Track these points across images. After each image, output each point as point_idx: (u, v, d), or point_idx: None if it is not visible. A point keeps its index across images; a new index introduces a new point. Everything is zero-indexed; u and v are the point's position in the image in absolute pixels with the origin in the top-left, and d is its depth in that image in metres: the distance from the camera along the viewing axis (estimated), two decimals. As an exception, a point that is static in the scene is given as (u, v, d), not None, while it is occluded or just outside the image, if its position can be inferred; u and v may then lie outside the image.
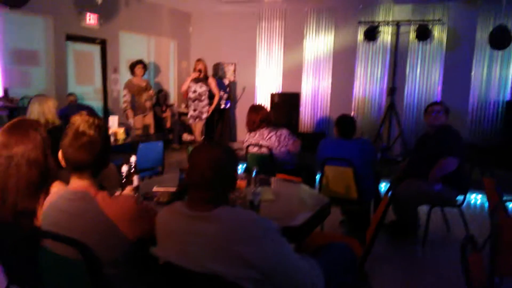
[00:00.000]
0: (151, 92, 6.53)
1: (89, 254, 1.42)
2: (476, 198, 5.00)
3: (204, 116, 6.54)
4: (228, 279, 1.32)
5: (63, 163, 1.59)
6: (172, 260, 1.42)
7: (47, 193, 1.72)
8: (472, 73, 6.98)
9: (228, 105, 8.25)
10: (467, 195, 3.69)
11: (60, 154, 1.58)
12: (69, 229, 1.48)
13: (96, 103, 7.27)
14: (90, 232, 1.47)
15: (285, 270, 1.38)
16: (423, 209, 3.73)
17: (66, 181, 1.86)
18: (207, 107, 6.50)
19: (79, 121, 1.57)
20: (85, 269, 1.44)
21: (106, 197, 1.56)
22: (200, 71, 6.44)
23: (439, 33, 7.09)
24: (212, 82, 6.54)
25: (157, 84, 8.49)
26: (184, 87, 6.59)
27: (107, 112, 7.35)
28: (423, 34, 6.79)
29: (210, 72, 7.63)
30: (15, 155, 1.75)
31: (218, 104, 7.53)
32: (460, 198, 3.61)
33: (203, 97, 6.46)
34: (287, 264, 1.39)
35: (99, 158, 1.58)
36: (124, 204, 1.52)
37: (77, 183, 1.57)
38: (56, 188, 1.72)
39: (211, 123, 7.47)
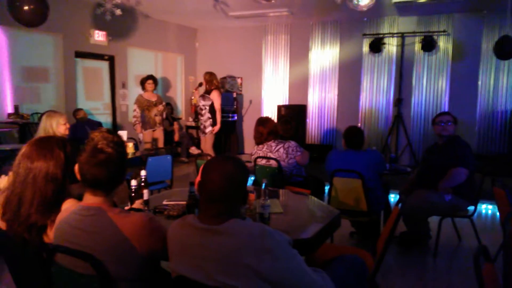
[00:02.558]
0: (161, 107, 6.56)
1: (102, 269, 1.43)
2: (487, 208, 4.95)
3: (207, 130, 6.44)
4: None
5: (78, 177, 1.61)
6: (184, 273, 1.42)
7: (59, 210, 1.74)
8: (479, 83, 6.97)
9: (235, 118, 8.29)
10: (478, 205, 3.66)
11: (76, 168, 1.60)
12: (82, 244, 1.49)
13: (105, 118, 7.35)
14: (103, 247, 1.48)
15: (297, 283, 1.38)
16: (433, 220, 3.70)
17: (76, 195, 1.88)
18: (209, 121, 6.42)
19: (97, 137, 1.59)
20: (98, 284, 1.45)
21: (119, 213, 1.57)
22: (200, 84, 6.45)
23: (444, 44, 7.11)
24: (214, 95, 6.41)
25: (165, 98, 8.57)
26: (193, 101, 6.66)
27: (115, 127, 7.43)
28: (429, 45, 6.81)
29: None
30: (34, 168, 1.78)
31: (226, 116, 7.56)
32: (471, 208, 3.58)
33: (203, 111, 6.39)
34: (299, 277, 1.38)
35: (115, 176, 1.59)
36: (138, 221, 1.53)
37: (91, 199, 1.58)
38: (69, 204, 1.73)
39: (218, 136, 7.49)
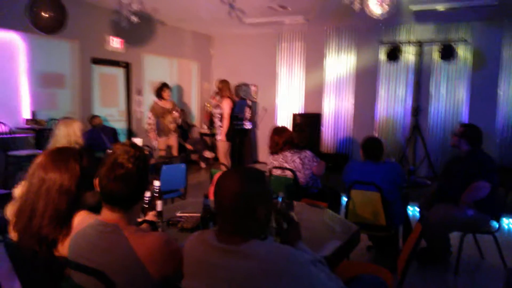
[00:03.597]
0: (176, 114, 6.56)
1: (112, 286, 1.38)
2: (510, 224, 4.77)
3: (219, 138, 6.52)
4: None
5: (97, 189, 1.56)
6: None
7: (71, 224, 1.70)
8: (499, 92, 6.80)
9: (251, 126, 8.23)
10: (501, 221, 3.52)
11: (96, 181, 1.55)
12: (95, 260, 1.45)
13: (120, 125, 7.37)
14: (115, 266, 1.42)
15: None
16: (454, 235, 3.56)
17: (90, 204, 1.84)
18: (219, 129, 6.51)
19: (119, 151, 1.52)
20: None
21: (135, 232, 1.51)
22: (217, 93, 6.52)
23: (464, 52, 6.96)
24: (224, 104, 6.46)
25: (179, 105, 8.59)
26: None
27: (130, 134, 7.45)
28: (448, 53, 6.67)
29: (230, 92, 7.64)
30: (48, 180, 1.75)
31: (240, 124, 7.52)
32: (494, 224, 3.44)
33: (215, 119, 6.53)
34: None
35: (133, 193, 1.53)
36: (154, 244, 1.46)
37: (108, 215, 1.53)
38: (81, 217, 1.69)
39: (232, 144, 7.46)
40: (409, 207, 4.11)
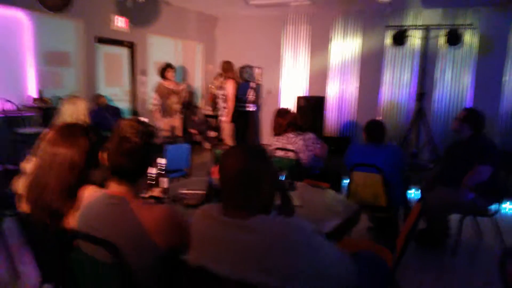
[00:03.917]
0: (183, 94, 6.56)
1: (120, 257, 1.43)
2: (510, 208, 4.81)
3: (223, 119, 6.55)
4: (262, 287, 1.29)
5: (104, 164, 1.61)
6: (206, 265, 1.40)
7: (80, 198, 1.75)
8: (505, 78, 6.77)
9: (255, 108, 8.24)
10: (501, 204, 3.57)
11: (104, 156, 1.60)
12: (103, 232, 1.50)
13: (125, 105, 7.41)
14: (123, 237, 1.47)
15: (326, 272, 1.35)
16: (454, 218, 3.62)
17: (98, 181, 1.89)
18: (224, 110, 6.51)
19: (125, 126, 1.57)
20: (116, 272, 1.45)
21: (142, 205, 1.56)
22: (220, 74, 6.49)
23: (470, 37, 6.90)
24: (227, 85, 6.42)
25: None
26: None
27: (135, 114, 7.49)
28: (454, 38, 6.61)
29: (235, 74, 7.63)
30: (58, 155, 1.80)
31: (242, 106, 7.53)
32: (493, 207, 3.49)
33: (219, 100, 6.51)
34: (328, 265, 1.36)
35: (140, 166, 1.58)
36: (160, 215, 1.51)
37: (115, 188, 1.58)
38: (90, 191, 1.74)
39: (236, 126, 7.49)
40: (410, 190, 4.16)
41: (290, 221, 1.40)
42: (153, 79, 7.29)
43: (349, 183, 3.45)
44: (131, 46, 7.41)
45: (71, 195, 1.80)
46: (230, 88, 6.39)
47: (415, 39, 7.24)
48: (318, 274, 1.33)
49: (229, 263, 1.35)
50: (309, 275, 1.31)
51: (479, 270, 3.28)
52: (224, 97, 6.46)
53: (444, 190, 3.49)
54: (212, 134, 8.07)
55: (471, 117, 3.52)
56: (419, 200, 2.34)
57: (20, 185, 2.02)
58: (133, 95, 7.62)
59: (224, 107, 6.47)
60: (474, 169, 3.34)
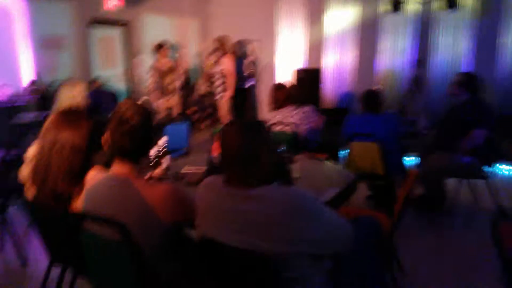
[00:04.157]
0: (181, 72, 6.51)
1: (128, 236, 1.49)
2: (505, 170, 4.89)
3: (221, 96, 6.46)
4: (269, 254, 1.37)
5: (105, 147, 1.66)
6: (214, 236, 1.47)
7: (84, 181, 1.80)
8: (501, 41, 6.72)
9: (251, 83, 8.19)
10: (496, 167, 3.63)
11: (104, 138, 1.65)
12: (109, 212, 1.55)
13: (121, 86, 7.40)
14: (128, 216, 1.53)
15: (327, 236, 1.44)
16: (450, 182, 3.69)
17: (101, 164, 1.95)
18: (219, 88, 6.40)
19: (125, 107, 1.62)
20: (125, 249, 1.51)
21: (145, 183, 1.62)
22: (214, 50, 6.37)
23: (468, 0, 6.81)
24: (225, 60, 6.31)
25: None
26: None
27: (132, 94, 7.49)
28: (452, 1, 6.53)
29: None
30: (61, 139, 1.85)
31: (241, 82, 7.48)
32: (488, 169, 3.56)
33: (215, 78, 6.40)
34: (328, 230, 1.44)
35: (141, 146, 1.64)
36: (163, 192, 1.57)
37: (119, 169, 1.63)
38: (95, 172, 1.80)
39: (234, 103, 7.47)
40: (408, 157, 4.21)
41: (291, 189, 1.47)
42: (149, 59, 7.25)
43: (347, 154, 3.51)
44: (125, 25, 7.34)
45: (76, 178, 1.86)
46: (228, 63, 6.28)
47: (412, 4, 7.13)
48: (319, 239, 1.41)
49: (235, 232, 1.42)
50: (311, 240, 1.38)
51: (475, 232, 3.37)
52: (222, 73, 6.38)
53: (440, 155, 3.55)
54: (210, 112, 8.07)
55: (467, 80, 3.54)
56: (416, 166, 2.40)
57: (25, 172, 2.08)
58: (130, 75, 7.60)
59: (223, 83, 6.38)
60: (470, 133, 3.39)
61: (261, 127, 1.52)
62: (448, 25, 7.04)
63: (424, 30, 7.06)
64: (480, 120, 3.40)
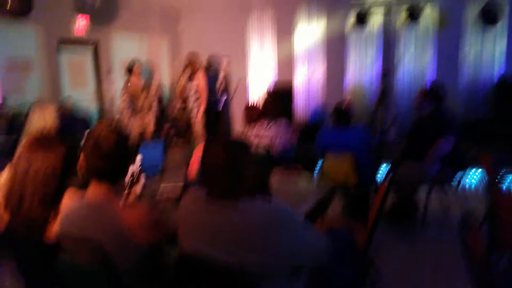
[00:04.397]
0: (154, 90, 6.50)
1: (107, 260, 1.49)
2: (474, 176, 5.06)
3: (195, 112, 6.50)
4: (249, 265, 1.40)
5: (80, 171, 1.65)
6: (194, 247, 1.49)
7: (59, 206, 1.78)
8: (463, 52, 7.03)
9: (223, 98, 8.23)
10: (465, 173, 3.77)
11: (79, 162, 1.64)
12: (87, 236, 1.54)
13: (92, 106, 7.29)
14: (106, 239, 1.52)
15: (303, 249, 1.49)
16: (422, 191, 3.80)
17: (75, 186, 1.92)
18: (194, 103, 6.46)
19: (98, 130, 1.63)
20: (103, 275, 1.50)
21: (121, 206, 1.62)
22: (186, 67, 6.44)
23: (429, 12, 7.09)
24: (199, 76, 6.38)
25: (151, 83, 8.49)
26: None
27: (103, 115, 7.38)
28: (415, 14, 6.79)
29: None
30: (35, 163, 1.81)
31: (213, 97, 7.52)
32: (458, 176, 3.70)
33: (189, 94, 6.45)
34: (304, 244, 1.49)
35: (118, 167, 1.65)
36: (140, 213, 1.58)
37: (95, 191, 1.63)
38: (71, 195, 1.77)
39: (208, 118, 7.47)
40: (380, 167, 4.33)
41: (272, 203, 1.52)
42: (120, 78, 7.19)
43: (320, 166, 3.59)
44: (95, 45, 7.27)
45: (51, 203, 1.82)
46: (202, 80, 6.37)
47: (377, 16, 7.36)
48: (297, 250, 1.46)
49: (217, 243, 1.45)
50: (290, 251, 1.43)
51: (446, 238, 3.48)
52: (195, 89, 6.42)
53: (411, 165, 3.67)
54: (184, 128, 8.03)
55: (430, 94, 3.72)
56: (387, 176, 2.48)
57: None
58: (101, 95, 7.50)
59: (197, 99, 6.43)
60: (438, 141, 3.54)
61: (243, 144, 1.58)
62: (411, 37, 7.31)
63: (388, 43, 7.31)
64: (445, 129, 3.56)
